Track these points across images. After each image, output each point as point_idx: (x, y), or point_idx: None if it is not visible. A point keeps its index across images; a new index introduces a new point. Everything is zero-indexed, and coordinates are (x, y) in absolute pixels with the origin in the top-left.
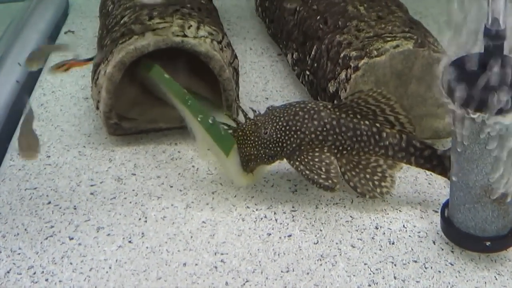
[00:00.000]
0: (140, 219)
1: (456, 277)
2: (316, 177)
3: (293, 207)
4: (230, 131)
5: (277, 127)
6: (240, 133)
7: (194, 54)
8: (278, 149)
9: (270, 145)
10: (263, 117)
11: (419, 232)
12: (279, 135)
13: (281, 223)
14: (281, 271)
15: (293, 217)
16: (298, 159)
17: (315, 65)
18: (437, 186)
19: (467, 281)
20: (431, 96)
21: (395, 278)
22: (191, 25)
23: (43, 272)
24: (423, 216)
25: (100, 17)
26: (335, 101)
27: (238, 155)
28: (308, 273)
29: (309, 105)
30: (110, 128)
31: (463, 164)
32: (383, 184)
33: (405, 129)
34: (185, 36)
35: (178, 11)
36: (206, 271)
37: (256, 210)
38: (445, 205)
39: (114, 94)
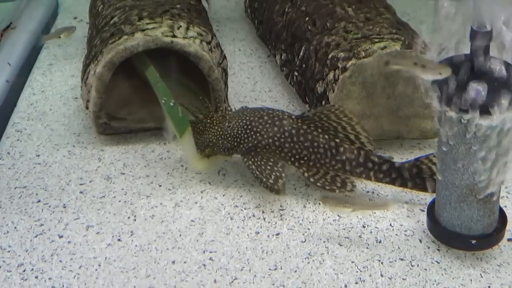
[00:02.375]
0: (129, 217)
1: (442, 274)
2: (264, 179)
3: (281, 206)
4: (201, 116)
5: (240, 123)
6: (208, 120)
7: (184, 55)
8: (235, 143)
9: (229, 138)
10: (234, 113)
11: (406, 230)
12: (239, 131)
13: (269, 222)
14: (269, 269)
15: (281, 216)
16: (252, 159)
17: (304, 66)
18: None
19: (453, 278)
20: (419, 96)
21: (381, 276)
22: (180, 26)
23: (32, 269)
24: (410, 215)
25: (90, 17)
26: (323, 102)
27: (193, 140)
28: (295, 271)
29: (276, 112)
30: (100, 128)
31: (449, 163)
32: (346, 186)
33: (365, 147)
34: (174, 36)
35: (168, 11)
36: (195, 269)
37: (245, 209)
38: (432, 204)
39: (104, 93)
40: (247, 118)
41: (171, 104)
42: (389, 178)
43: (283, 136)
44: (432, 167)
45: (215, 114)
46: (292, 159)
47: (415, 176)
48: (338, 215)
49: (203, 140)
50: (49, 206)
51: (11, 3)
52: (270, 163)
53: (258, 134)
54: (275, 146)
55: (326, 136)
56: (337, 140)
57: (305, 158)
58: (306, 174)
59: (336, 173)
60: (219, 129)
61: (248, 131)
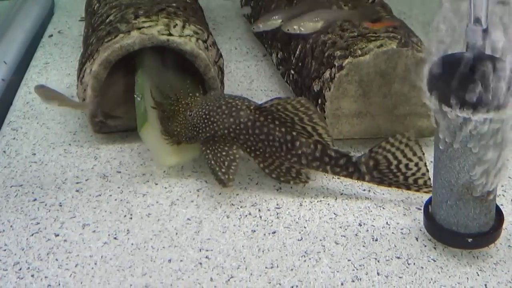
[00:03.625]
0: (125, 216)
1: (439, 273)
2: (217, 168)
3: (277, 204)
4: (169, 102)
5: (200, 113)
6: (175, 107)
7: (180, 53)
8: (195, 133)
9: (190, 128)
10: (200, 99)
11: (402, 229)
12: (198, 121)
13: (265, 220)
14: (266, 267)
15: (277, 214)
16: (210, 148)
17: (300, 64)
18: None
19: (449, 277)
20: (415, 95)
21: (378, 274)
22: (176, 24)
23: (28, 268)
24: (406, 213)
25: (86, 15)
26: (320, 100)
27: (157, 134)
28: (292, 269)
29: (236, 101)
30: (96, 126)
31: (445, 161)
32: (300, 177)
33: (323, 139)
34: (170, 35)
35: (164, 10)
36: (191, 267)
37: (241, 207)
38: (428, 202)
39: (100, 92)
40: (206, 107)
41: (138, 99)
42: (346, 172)
43: (238, 127)
44: (388, 156)
45: (182, 102)
46: (248, 150)
47: (372, 169)
48: (334, 213)
49: (170, 127)
50: (45, 205)
51: (7, 2)
52: (225, 151)
53: (215, 125)
54: (230, 136)
55: (283, 129)
56: (294, 134)
57: (261, 150)
58: (261, 165)
59: (292, 166)
60: (182, 118)
61: (206, 121)
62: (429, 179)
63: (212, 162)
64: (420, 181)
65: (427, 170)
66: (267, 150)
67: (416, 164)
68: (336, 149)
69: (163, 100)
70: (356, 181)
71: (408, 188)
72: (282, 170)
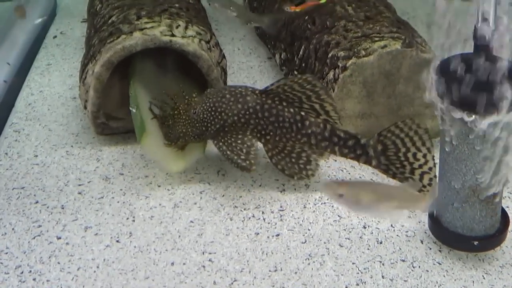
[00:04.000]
0: (128, 218)
1: (444, 276)
2: (235, 157)
3: (281, 206)
4: (168, 110)
5: (205, 107)
6: (176, 112)
7: (182, 54)
8: (204, 128)
9: (197, 124)
10: (199, 98)
11: (407, 231)
12: (205, 115)
13: (269, 223)
14: (269, 271)
15: (281, 216)
16: (222, 140)
17: (303, 65)
18: None
19: (455, 280)
20: (419, 96)
21: (383, 277)
22: (179, 25)
23: (30, 271)
24: (411, 216)
25: (88, 16)
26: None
27: (158, 143)
28: (296, 273)
29: (239, 89)
30: (98, 128)
31: (451, 163)
32: (308, 167)
33: (330, 117)
34: (173, 35)
35: (166, 10)
36: (194, 271)
37: (244, 209)
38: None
39: (102, 93)
40: (210, 100)
41: (133, 110)
42: (354, 154)
43: (247, 112)
44: (396, 141)
45: (181, 105)
46: (258, 135)
47: (379, 154)
48: (338, 216)
49: (174, 132)
50: (47, 207)
51: (9, 3)
52: (240, 139)
53: (223, 114)
54: (240, 123)
55: (292, 110)
56: (303, 114)
57: (271, 133)
58: (269, 153)
59: (303, 149)
60: (186, 118)
61: (213, 113)
62: (435, 176)
63: (228, 152)
64: (426, 178)
65: (434, 165)
66: (277, 132)
67: (424, 156)
68: (345, 130)
69: (160, 110)
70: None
71: None
72: (292, 159)
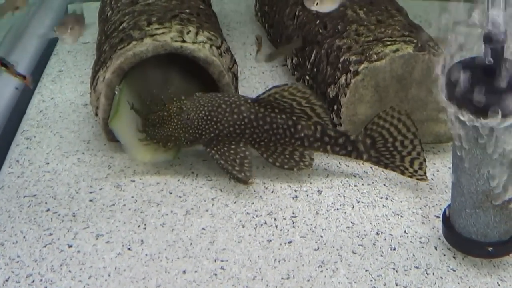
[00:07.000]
0: (139, 226)
1: (459, 283)
2: (230, 167)
3: (293, 213)
4: (155, 108)
5: (200, 115)
6: (165, 113)
7: (193, 60)
8: (197, 135)
9: (190, 131)
10: (189, 102)
11: (421, 237)
12: (200, 123)
13: (281, 230)
14: (282, 278)
15: (293, 223)
16: (215, 148)
17: (315, 69)
18: (438, 191)
19: (469, 287)
20: (432, 100)
21: (396, 284)
22: (190, 31)
23: (41, 280)
24: (425, 222)
25: (99, 23)
26: (335, 106)
27: (131, 129)
28: (308, 280)
29: (232, 98)
30: (109, 135)
31: (464, 168)
32: (303, 159)
33: (322, 119)
34: (184, 41)
35: (177, 16)
36: (206, 278)
37: (256, 216)
38: (446, 210)
39: (113, 100)
40: (205, 108)
41: (116, 92)
42: (345, 151)
43: (243, 122)
44: (383, 132)
45: (171, 106)
46: (253, 142)
47: (369, 148)
48: (351, 222)
49: (163, 134)
50: (59, 215)
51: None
52: (233, 150)
53: (219, 124)
54: (236, 133)
55: (284, 116)
56: (294, 118)
57: (265, 140)
58: (264, 155)
59: (295, 148)
60: (178, 122)
61: (208, 122)
62: (425, 160)
63: (222, 162)
64: (416, 163)
65: (422, 150)
66: (272, 139)
67: (412, 142)
68: (335, 129)
69: (147, 108)
70: (356, 162)
71: (403, 172)
72: (286, 156)
